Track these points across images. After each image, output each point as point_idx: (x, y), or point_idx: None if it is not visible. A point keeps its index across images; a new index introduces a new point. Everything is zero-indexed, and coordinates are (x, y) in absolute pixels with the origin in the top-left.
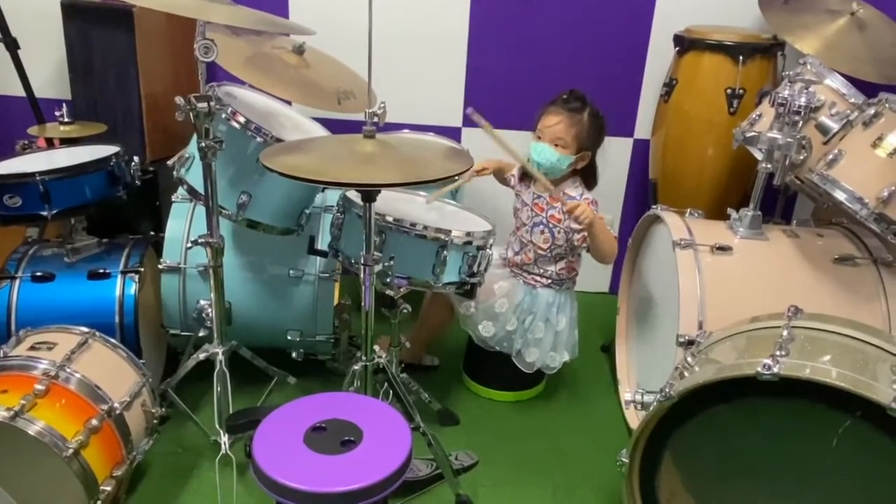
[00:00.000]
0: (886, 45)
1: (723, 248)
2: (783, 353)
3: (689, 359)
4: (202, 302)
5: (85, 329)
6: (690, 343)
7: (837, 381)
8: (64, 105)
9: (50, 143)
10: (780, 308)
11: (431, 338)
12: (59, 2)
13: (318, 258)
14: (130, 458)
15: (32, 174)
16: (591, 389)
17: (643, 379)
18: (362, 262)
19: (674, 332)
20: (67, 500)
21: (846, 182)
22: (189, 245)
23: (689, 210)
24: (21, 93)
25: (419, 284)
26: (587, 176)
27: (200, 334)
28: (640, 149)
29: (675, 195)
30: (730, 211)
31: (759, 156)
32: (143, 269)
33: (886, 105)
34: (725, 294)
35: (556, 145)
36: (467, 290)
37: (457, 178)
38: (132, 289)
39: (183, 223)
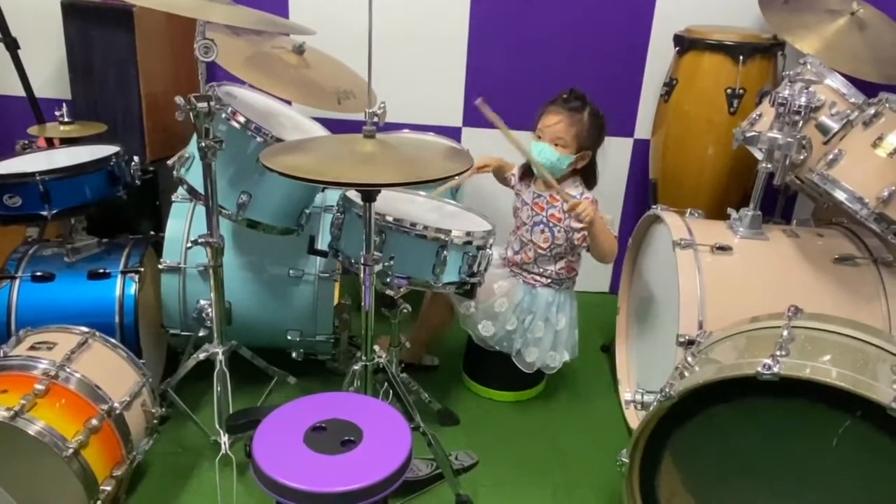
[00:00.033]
0: (886, 44)
1: (723, 248)
2: (783, 352)
3: (689, 359)
4: (202, 302)
5: (85, 329)
6: (690, 343)
7: (837, 381)
8: (64, 105)
9: (50, 143)
10: (780, 308)
11: (431, 337)
12: (59, 2)
13: (318, 258)
14: (130, 458)
15: (32, 174)
16: (591, 389)
17: (643, 379)
18: (362, 261)
19: (674, 332)
20: (67, 500)
21: (846, 182)
22: (189, 245)
23: (689, 210)
24: (21, 93)
25: (419, 284)
26: (587, 175)
27: (200, 334)
28: (640, 149)
29: (675, 195)
30: (730, 211)
31: (759, 156)
32: (143, 269)
33: (886, 105)
34: (725, 294)
35: (557, 145)
36: (467, 290)
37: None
38: (132, 289)
39: (183, 223)
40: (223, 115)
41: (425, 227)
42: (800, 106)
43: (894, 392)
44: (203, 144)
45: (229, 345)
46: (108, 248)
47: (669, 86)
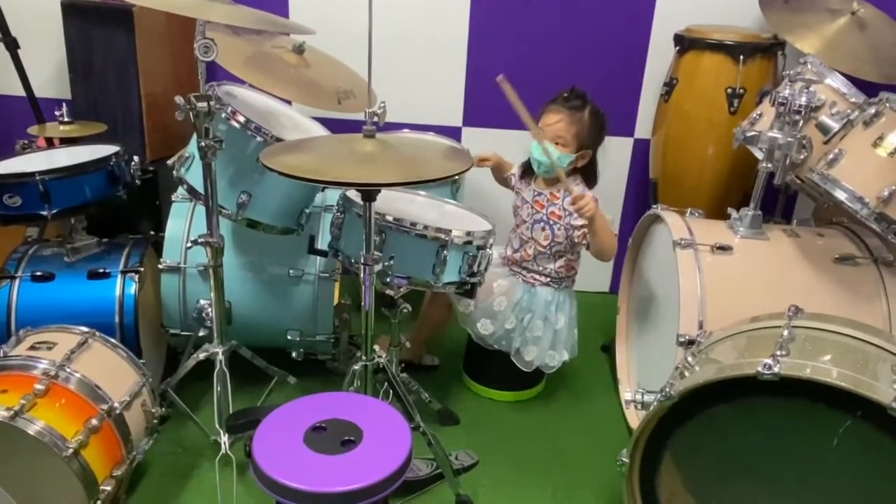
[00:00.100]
0: (887, 44)
1: (723, 248)
2: (783, 352)
3: (690, 358)
4: (202, 302)
5: (85, 329)
6: (691, 343)
7: (838, 381)
8: (64, 105)
9: (50, 143)
10: (781, 308)
11: (431, 337)
12: (59, 1)
13: (318, 258)
14: (130, 458)
15: (32, 174)
16: (591, 389)
17: (643, 379)
18: (362, 261)
19: (674, 332)
20: (67, 500)
21: (847, 181)
22: (189, 245)
23: (689, 210)
24: (21, 92)
25: (419, 284)
26: (588, 174)
27: (200, 334)
28: (641, 148)
29: (676, 195)
30: (730, 210)
31: (759, 155)
32: (143, 269)
33: (887, 104)
34: (726, 294)
35: (557, 143)
36: (467, 289)
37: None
38: (132, 288)
39: (183, 223)
40: (223, 115)
41: (425, 227)
42: (800, 105)
43: (895, 392)
44: (203, 144)
45: (229, 345)
46: (108, 248)
47: (670, 85)
